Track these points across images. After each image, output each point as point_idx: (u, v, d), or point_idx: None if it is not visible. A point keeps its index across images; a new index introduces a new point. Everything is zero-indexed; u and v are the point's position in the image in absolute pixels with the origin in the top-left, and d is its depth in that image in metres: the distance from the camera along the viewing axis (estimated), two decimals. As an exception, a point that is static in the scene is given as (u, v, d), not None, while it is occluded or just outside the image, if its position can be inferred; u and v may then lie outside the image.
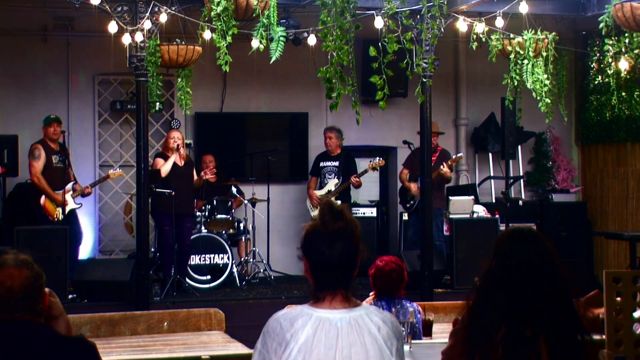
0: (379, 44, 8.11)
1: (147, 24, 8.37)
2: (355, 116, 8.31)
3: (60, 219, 9.08)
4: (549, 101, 9.17)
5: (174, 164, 9.57)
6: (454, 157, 10.57)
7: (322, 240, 2.74)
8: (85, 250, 10.31)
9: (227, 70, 8.06)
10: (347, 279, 2.76)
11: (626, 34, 9.49)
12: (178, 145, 9.57)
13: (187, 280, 9.59)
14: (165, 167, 9.47)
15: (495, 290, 2.85)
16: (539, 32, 9.05)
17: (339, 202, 10.36)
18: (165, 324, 6.88)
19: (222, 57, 7.91)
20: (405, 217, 10.93)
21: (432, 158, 9.84)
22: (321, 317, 2.71)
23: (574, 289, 2.91)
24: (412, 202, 10.58)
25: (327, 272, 2.75)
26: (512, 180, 11.81)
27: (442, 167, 10.16)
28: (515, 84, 9.16)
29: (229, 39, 7.83)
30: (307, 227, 2.80)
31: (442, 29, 8.98)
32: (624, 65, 9.46)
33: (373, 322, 2.74)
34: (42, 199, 9.16)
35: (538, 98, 9.09)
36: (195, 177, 10.01)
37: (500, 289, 2.84)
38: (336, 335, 2.68)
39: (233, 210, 10.44)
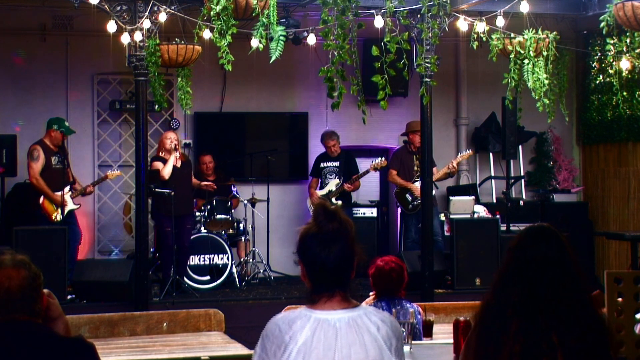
0: (381, 43, 8.08)
1: (146, 23, 8.35)
2: (355, 115, 8.32)
3: (59, 219, 9.06)
4: (548, 101, 9.14)
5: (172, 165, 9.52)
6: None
7: (317, 242, 2.72)
8: (85, 251, 10.30)
9: (230, 69, 8.02)
10: (344, 280, 2.75)
11: (627, 34, 9.47)
12: (175, 145, 9.52)
13: (187, 280, 9.55)
14: (167, 170, 9.40)
15: (508, 285, 2.76)
16: (539, 32, 9.02)
17: (339, 202, 10.40)
18: (165, 324, 6.87)
19: (225, 57, 7.86)
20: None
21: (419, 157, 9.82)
22: (320, 318, 2.70)
23: (589, 286, 2.82)
24: (415, 202, 10.45)
25: (324, 275, 2.73)
26: (512, 180, 11.78)
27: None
28: (513, 84, 9.13)
29: (228, 38, 7.80)
30: (302, 230, 2.78)
31: (445, 28, 8.95)
32: (625, 64, 9.44)
33: (372, 321, 2.72)
34: (41, 199, 9.13)
35: (537, 98, 9.06)
36: (194, 179, 9.99)
37: (513, 282, 2.75)
38: (335, 335, 2.67)
39: (233, 211, 10.42)
